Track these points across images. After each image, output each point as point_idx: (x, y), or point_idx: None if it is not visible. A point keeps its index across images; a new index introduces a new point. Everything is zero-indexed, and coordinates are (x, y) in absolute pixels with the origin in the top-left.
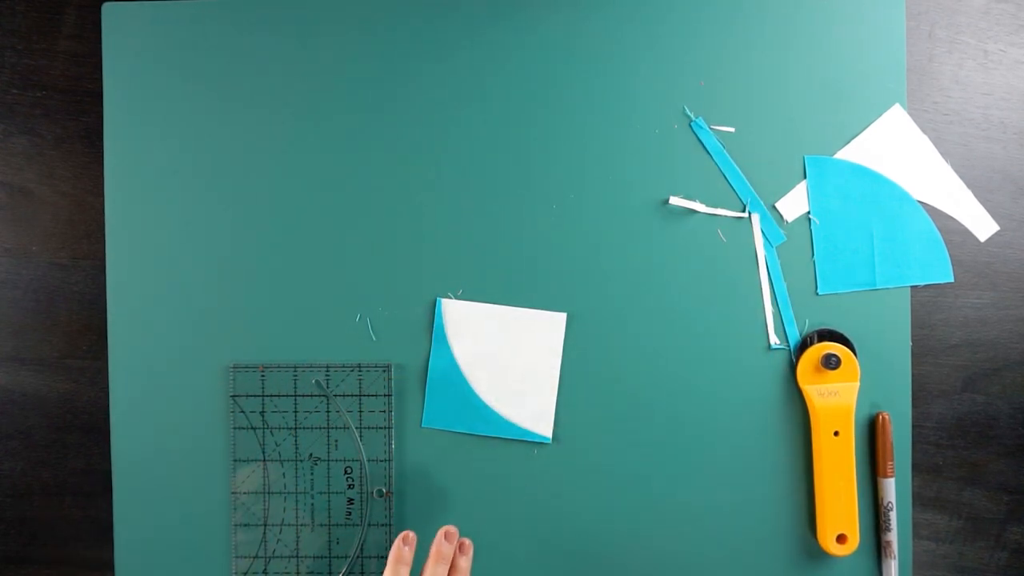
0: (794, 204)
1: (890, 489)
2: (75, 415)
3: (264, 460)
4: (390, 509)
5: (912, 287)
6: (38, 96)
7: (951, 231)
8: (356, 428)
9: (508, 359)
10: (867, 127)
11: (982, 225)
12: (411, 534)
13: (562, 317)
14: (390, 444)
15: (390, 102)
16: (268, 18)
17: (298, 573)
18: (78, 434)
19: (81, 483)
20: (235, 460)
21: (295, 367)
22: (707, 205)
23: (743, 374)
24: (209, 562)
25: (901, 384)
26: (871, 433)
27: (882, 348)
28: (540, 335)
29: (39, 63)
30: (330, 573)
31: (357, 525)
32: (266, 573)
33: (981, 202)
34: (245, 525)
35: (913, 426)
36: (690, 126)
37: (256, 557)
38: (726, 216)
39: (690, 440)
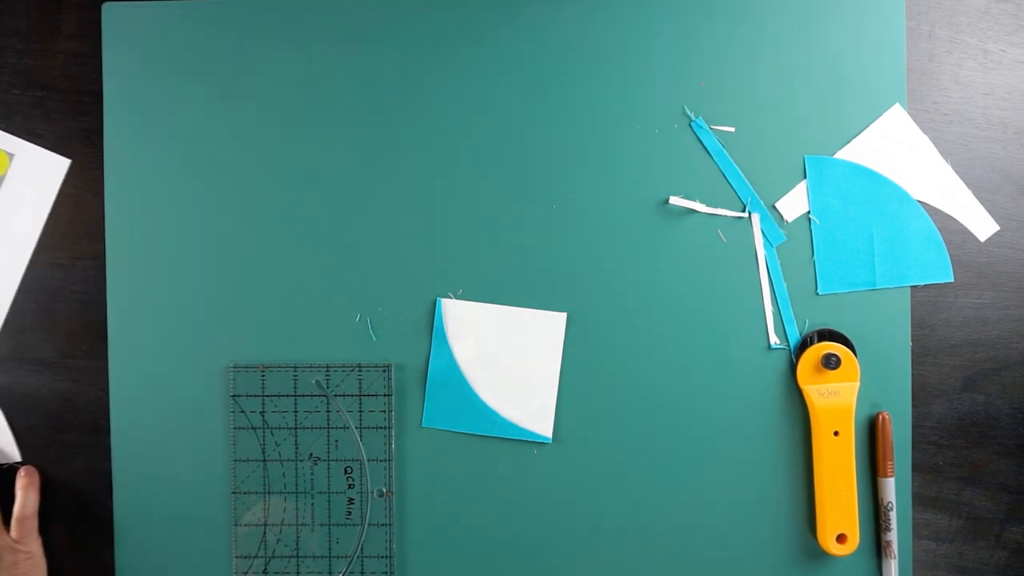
0: (794, 204)
1: (890, 489)
2: (75, 415)
3: (264, 460)
4: (390, 509)
5: (912, 287)
6: (38, 96)
7: (951, 231)
8: (356, 428)
9: (508, 359)
10: (867, 127)
11: (982, 225)
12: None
13: (562, 317)
14: (390, 444)
15: (390, 104)
16: (269, 18)
17: (298, 573)
18: (78, 434)
19: (81, 483)
20: (235, 460)
21: (295, 367)
22: (707, 205)
23: (743, 374)
24: (209, 562)
25: (901, 384)
26: (871, 433)
27: (882, 348)
28: (540, 335)
29: (39, 63)
30: (330, 573)
31: (357, 525)
32: (266, 573)
33: (981, 202)
34: (245, 525)
35: (913, 426)
36: (690, 126)
37: (256, 557)
38: (726, 216)
39: (690, 440)
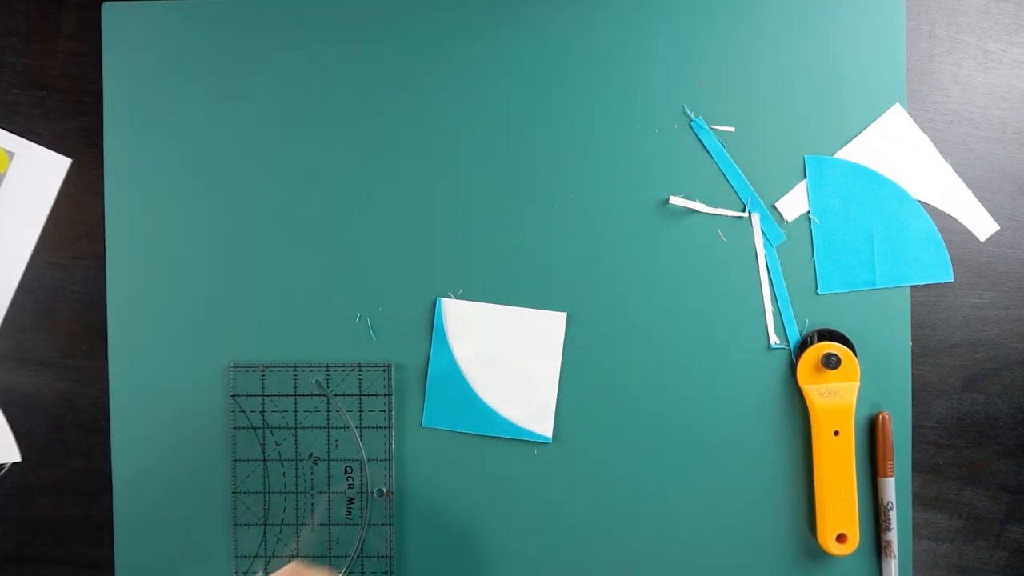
0: (794, 204)
1: (890, 489)
2: (75, 415)
3: (264, 460)
4: (390, 509)
5: (912, 287)
6: (38, 96)
7: (951, 231)
8: (356, 428)
9: (508, 359)
10: (867, 127)
11: (982, 225)
12: None
13: (562, 317)
14: (390, 444)
15: (390, 103)
16: (269, 18)
17: None
18: (78, 434)
19: (81, 483)
20: (235, 460)
21: (295, 367)
22: (707, 205)
23: (743, 374)
24: (209, 562)
25: (901, 384)
26: (871, 433)
27: (882, 348)
28: (540, 335)
29: (39, 63)
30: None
31: (357, 525)
32: (266, 573)
33: (981, 202)
34: (245, 525)
35: (913, 426)
36: (690, 126)
37: (256, 557)
38: (726, 216)
39: (690, 440)
